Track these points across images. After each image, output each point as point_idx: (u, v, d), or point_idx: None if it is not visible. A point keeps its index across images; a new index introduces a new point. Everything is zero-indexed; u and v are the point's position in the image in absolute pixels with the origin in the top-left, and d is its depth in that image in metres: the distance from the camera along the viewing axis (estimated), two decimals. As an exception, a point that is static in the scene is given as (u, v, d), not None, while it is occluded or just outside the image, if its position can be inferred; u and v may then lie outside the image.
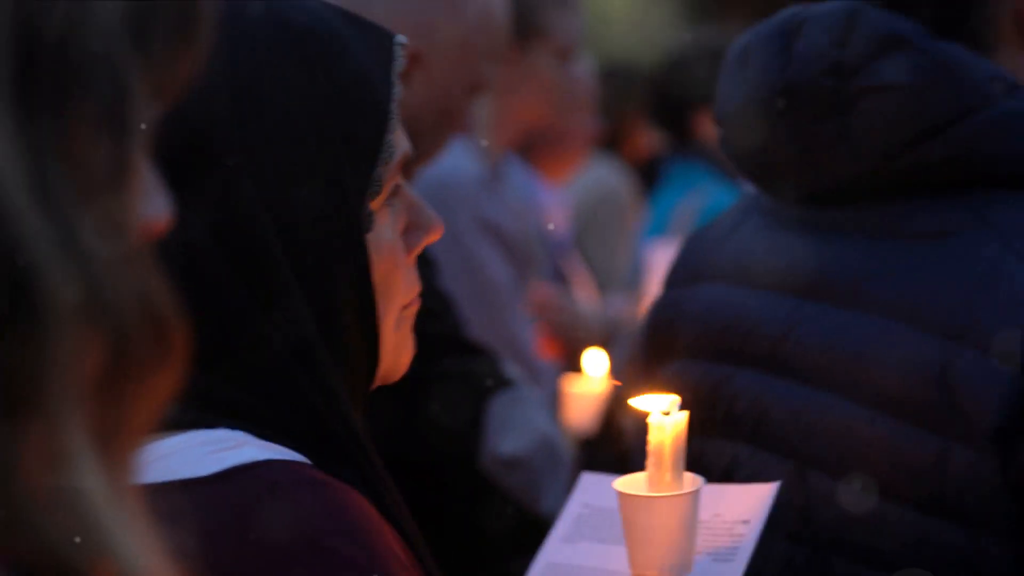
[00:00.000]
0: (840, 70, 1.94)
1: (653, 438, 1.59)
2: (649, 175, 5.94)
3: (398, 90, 1.51)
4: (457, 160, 3.56)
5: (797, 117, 1.97)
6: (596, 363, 3.54)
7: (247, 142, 1.43)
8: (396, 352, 1.54)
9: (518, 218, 3.82)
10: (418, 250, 1.55)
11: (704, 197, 5.19)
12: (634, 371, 2.28)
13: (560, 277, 4.29)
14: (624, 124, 6.04)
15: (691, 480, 1.60)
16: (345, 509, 1.37)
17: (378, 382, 1.54)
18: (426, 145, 2.64)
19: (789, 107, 1.98)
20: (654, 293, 4.47)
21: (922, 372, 1.86)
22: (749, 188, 2.21)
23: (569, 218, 4.92)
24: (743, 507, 1.72)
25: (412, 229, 1.55)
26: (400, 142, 1.51)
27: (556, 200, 4.71)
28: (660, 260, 4.57)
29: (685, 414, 1.60)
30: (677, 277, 2.23)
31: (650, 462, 1.60)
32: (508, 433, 2.93)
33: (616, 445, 4.01)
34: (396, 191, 1.52)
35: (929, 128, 1.91)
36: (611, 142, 5.87)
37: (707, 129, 5.30)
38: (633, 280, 4.98)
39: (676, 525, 1.57)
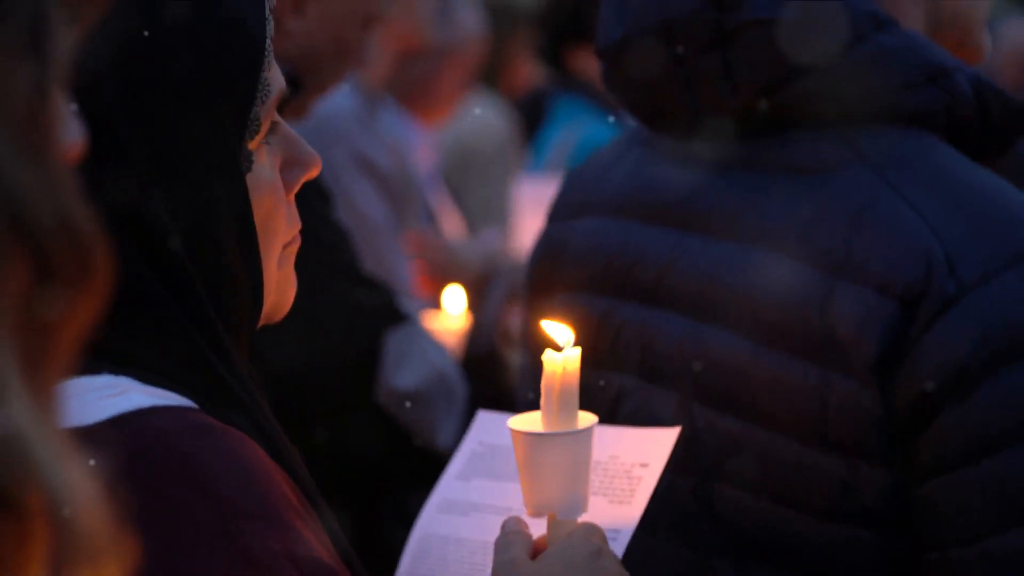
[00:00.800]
0: (720, 3, 1.96)
1: (546, 375, 1.58)
2: (530, 110, 5.95)
3: (271, 26, 1.49)
4: (334, 96, 3.54)
5: (677, 51, 1.98)
6: (455, 300, 3.55)
7: (123, 87, 1.40)
8: (280, 291, 1.53)
9: (394, 155, 3.81)
10: (297, 187, 1.53)
11: (581, 131, 5.21)
12: (520, 306, 2.30)
13: (430, 215, 4.30)
14: (505, 59, 6.04)
15: (585, 418, 1.59)
16: (236, 455, 1.35)
17: (263, 321, 1.53)
18: (323, 79, 2.63)
19: (669, 41, 1.99)
20: (524, 228, 4.52)
21: (802, 304, 1.88)
22: (630, 123, 2.23)
23: (438, 156, 4.93)
24: (642, 450, 1.71)
25: (290, 166, 1.52)
26: (276, 79, 1.49)
27: (426, 139, 4.71)
28: (529, 195, 4.60)
29: (578, 350, 1.59)
30: (560, 211, 2.24)
31: (544, 399, 1.59)
32: (405, 367, 2.93)
33: (496, 381, 4.05)
34: (274, 128, 1.50)
35: (805, 63, 1.93)
36: (491, 77, 5.87)
37: (588, 64, 5.32)
38: (502, 217, 5.00)
39: (570, 463, 1.56)
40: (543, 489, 1.57)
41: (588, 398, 1.84)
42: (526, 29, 5.84)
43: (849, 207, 1.90)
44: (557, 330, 1.62)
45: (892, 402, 1.83)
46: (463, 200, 5.11)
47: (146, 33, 1.41)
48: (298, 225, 1.55)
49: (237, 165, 1.45)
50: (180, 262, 1.42)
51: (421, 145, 4.61)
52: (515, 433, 1.58)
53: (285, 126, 1.52)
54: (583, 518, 1.59)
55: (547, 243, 2.23)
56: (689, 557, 1.98)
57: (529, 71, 6.02)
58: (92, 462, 0.87)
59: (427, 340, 3.06)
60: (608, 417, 1.96)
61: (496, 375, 4.18)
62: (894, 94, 1.94)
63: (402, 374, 2.95)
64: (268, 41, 1.47)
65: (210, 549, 1.31)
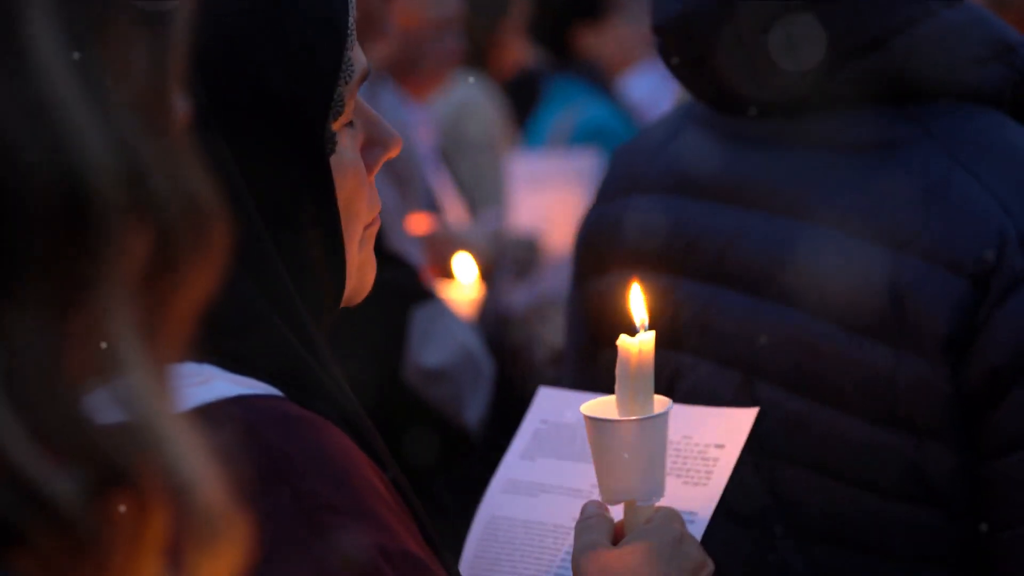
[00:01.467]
0: None
1: (621, 359, 1.55)
2: (520, 91, 5.91)
3: (354, 5, 1.45)
4: None
5: (740, 28, 1.96)
6: (466, 268, 3.53)
7: (206, 68, 1.36)
8: (361, 273, 1.49)
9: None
10: (378, 167, 1.50)
11: (580, 112, 5.19)
12: (571, 282, 2.27)
13: (430, 196, 4.27)
14: (493, 39, 6.00)
15: (661, 402, 1.55)
16: (323, 447, 1.32)
17: (343, 303, 1.50)
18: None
19: (732, 17, 1.96)
20: (521, 206, 4.51)
21: (871, 282, 1.87)
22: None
23: (435, 135, 4.90)
24: (717, 430, 1.68)
25: (371, 146, 1.49)
26: (359, 59, 1.45)
27: (422, 118, 4.68)
28: (524, 173, 4.58)
29: (652, 334, 1.56)
30: (611, 189, 2.21)
31: (619, 384, 1.55)
32: (431, 345, 2.91)
33: (511, 359, 4.02)
34: (356, 109, 1.47)
35: (872, 39, 1.91)
36: (479, 58, 5.83)
37: (586, 44, 5.29)
38: (498, 196, 4.99)
39: (648, 449, 1.53)
40: (621, 476, 1.54)
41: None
42: (515, 8, 5.80)
43: (919, 185, 1.88)
44: (635, 310, 1.59)
45: (963, 381, 1.82)
46: (456, 179, 5.09)
47: (230, 14, 1.38)
48: (379, 207, 1.51)
49: (321, 146, 1.41)
50: (264, 246, 1.39)
51: (420, 124, 4.58)
52: (591, 420, 1.54)
53: (366, 106, 1.49)
54: (660, 502, 1.56)
55: (598, 221, 2.20)
56: (752, 537, 1.96)
57: (518, 51, 5.98)
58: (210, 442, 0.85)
59: (452, 318, 3.04)
60: (665, 395, 1.94)
61: (510, 353, 4.16)
62: (962, 70, 1.93)
63: (428, 352, 2.93)
64: (351, 20, 1.44)
65: (299, 544, 1.28)
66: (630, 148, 2.25)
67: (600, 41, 5.31)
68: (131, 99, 0.82)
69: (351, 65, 1.44)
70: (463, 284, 3.51)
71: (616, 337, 2.11)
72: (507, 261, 4.28)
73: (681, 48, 2.04)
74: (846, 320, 1.88)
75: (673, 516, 1.53)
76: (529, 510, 1.74)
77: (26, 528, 0.77)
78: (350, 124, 1.46)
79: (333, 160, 1.43)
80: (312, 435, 1.32)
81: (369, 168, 1.48)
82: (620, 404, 1.54)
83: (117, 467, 0.80)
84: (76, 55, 0.80)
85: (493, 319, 4.23)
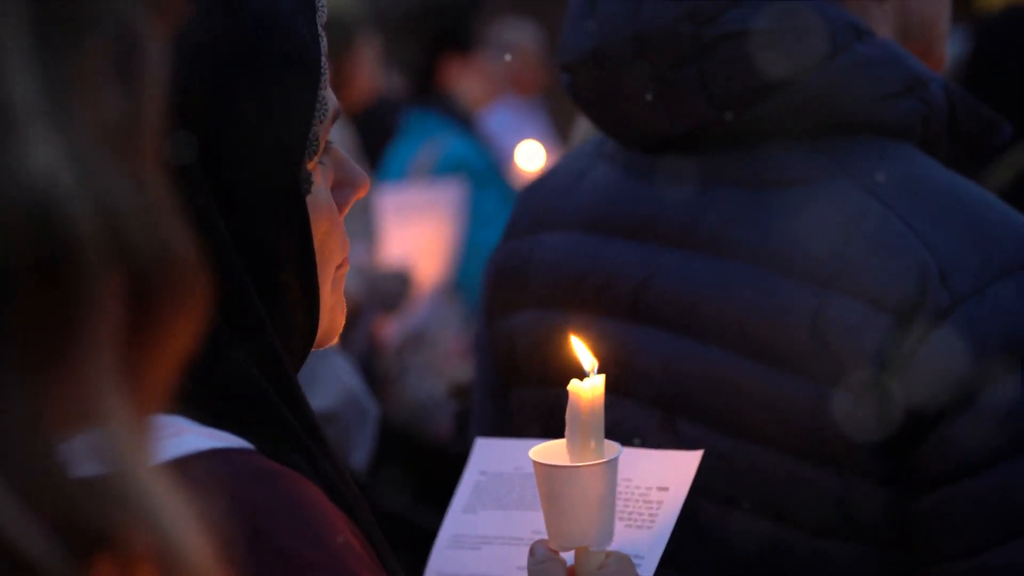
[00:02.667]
0: (696, 17, 1.93)
1: (572, 404, 1.52)
2: (371, 123, 5.86)
3: (324, 43, 1.44)
4: None
5: (652, 64, 1.95)
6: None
7: (184, 114, 1.33)
8: (332, 314, 1.48)
9: None
10: (348, 207, 1.48)
11: (442, 146, 5.18)
12: (480, 322, 2.24)
13: None
14: (342, 71, 5.95)
15: (611, 447, 1.54)
16: (300, 504, 1.29)
17: (315, 347, 1.47)
18: None
19: (643, 54, 1.96)
20: (391, 238, 4.48)
21: (794, 319, 1.87)
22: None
23: None
24: (659, 473, 1.67)
25: (341, 185, 1.48)
26: (330, 97, 1.44)
27: None
28: (392, 205, 4.56)
29: (602, 378, 1.53)
30: (521, 226, 2.18)
31: (569, 429, 1.53)
32: (317, 389, 2.88)
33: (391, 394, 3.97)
34: (326, 148, 1.45)
35: (785, 75, 1.92)
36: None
37: (449, 77, 5.28)
38: (365, 230, 4.96)
39: (601, 494, 1.51)
40: (573, 521, 1.51)
41: (559, 416, 1.81)
42: (362, 40, 5.77)
43: (836, 220, 1.88)
44: (583, 354, 1.57)
45: (888, 416, 1.82)
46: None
47: (206, 56, 1.35)
48: (348, 247, 1.49)
49: (298, 186, 1.40)
50: (243, 290, 1.36)
51: None
52: (541, 467, 1.52)
53: (335, 146, 1.47)
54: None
55: (508, 258, 2.17)
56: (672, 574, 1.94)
57: (369, 82, 5.95)
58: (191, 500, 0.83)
59: (336, 360, 3.00)
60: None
61: (381, 387, 4.13)
62: (874, 105, 1.93)
63: (315, 396, 2.89)
64: (323, 59, 1.43)
65: None
66: (540, 184, 2.23)
67: (465, 74, 5.31)
68: (107, 148, 0.80)
69: (324, 104, 1.42)
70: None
71: (530, 376, 2.10)
72: (377, 296, 4.25)
73: (592, 84, 2.03)
74: (768, 356, 1.88)
75: (627, 561, 1.52)
76: (474, 564, 1.73)
77: None
78: (323, 164, 1.44)
79: (309, 200, 1.41)
80: (288, 491, 1.29)
81: (340, 208, 1.47)
82: (571, 449, 1.52)
83: (101, 530, 0.77)
84: (53, 106, 0.78)
85: (364, 354, 4.19)
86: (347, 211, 1.48)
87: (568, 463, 1.52)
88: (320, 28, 1.44)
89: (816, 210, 1.90)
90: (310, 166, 1.41)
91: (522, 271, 2.13)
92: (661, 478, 1.66)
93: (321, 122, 1.42)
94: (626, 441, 1.85)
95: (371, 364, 4.17)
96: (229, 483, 1.26)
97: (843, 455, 1.84)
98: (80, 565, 0.76)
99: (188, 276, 0.82)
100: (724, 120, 1.94)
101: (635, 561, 1.58)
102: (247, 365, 1.35)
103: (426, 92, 5.34)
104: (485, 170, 5.09)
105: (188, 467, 1.25)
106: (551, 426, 2.01)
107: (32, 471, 0.76)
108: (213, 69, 1.36)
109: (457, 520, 1.76)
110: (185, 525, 0.81)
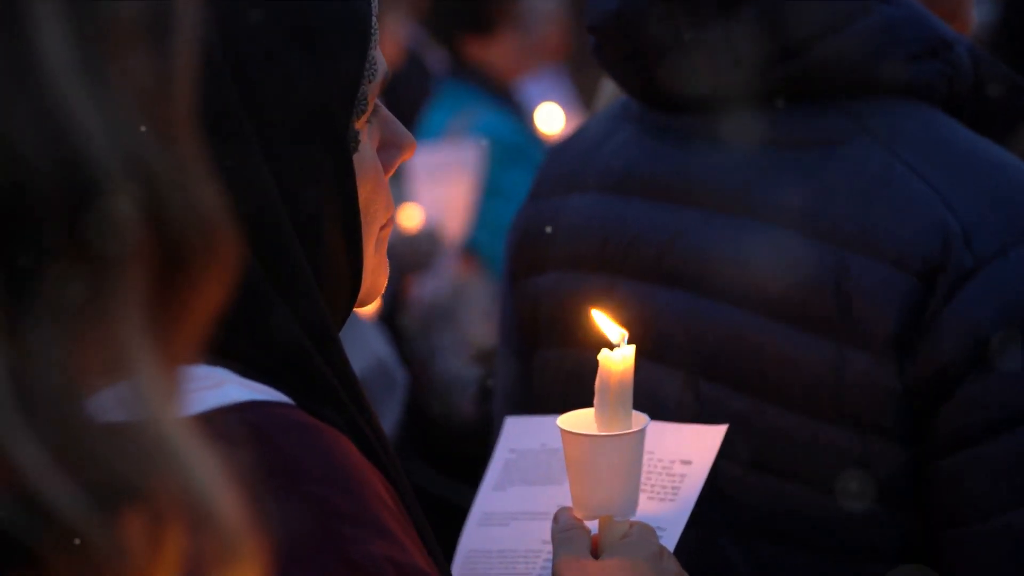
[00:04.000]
0: None
1: (602, 374, 1.54)
2: (405, 82, 5.85)
3: (376, 3, 1.45)
4: None
5: (677, 24, 1.95)
6: None
7: (233, 66, 1.36)
8: (375, 275, 1.48)
9: None
10: (393, 168, 1.49)
11: (473, 118, 5.18)
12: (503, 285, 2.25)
13: None
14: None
15: (639, 418, 1.55)
16: (331, 454, 1.30)
17: (356, 306, 1.48)
18: None
19: (668, 14, 1.95)
20: (424, 197, 4.49)
21: (815, 279, 1.87)
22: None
23: None
24: (682, 446, 1.68)
25: (387, 146, 1.49)
26: (380, 59, 1.45)
27: None
28: (421, 167, 4.57)
29: (632, 348, 1.55)
30: (546, 188, 2.19)
31: (598, 399, 1.54)
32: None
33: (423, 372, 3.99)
34: (375, 110, 1.46)
35: (809, 35, 1.91)
36: None
37: (481, 51, 5.28)
38: (398, 195, 4.98)
39: (628, 464, 1.53)
40: (598, 491, 1.54)
41: (583, 377, 1.81)
42: (394, 8, 5.76)
43: (860, 181, 1.88)
44: (609, 327, 1.58)
45: (910, 377, 1.82)
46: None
47: (255, 13, 1.37)
48: (392, 208, 1.50)
49: (345, 144, 1.41)
50: (289, 248, 1.37)
51: None
52: (569, 435, 1.54)
53: (382, 107, 1.48)
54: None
55: (533, 220, 2.18)
56: (695, 536, 1.95)
57: (394, 47, 5.94)
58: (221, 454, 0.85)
59: (365, 327, 3.01)
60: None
61: (416, 363, 4.14)
62: (898, 66, 1.93)
63: None
64: (374, 20, 1.44)
65: (310, 552, 1.25)
66: (565, 146, 2.24)
67: (491, 51, 5.31)
68: (140, 109, 0.82)
69: (374, 64, 1.44)
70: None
71: (553, 337, 2.11)
72: (407, 256, 4.27)
73: (616, 46, 2.03)
74: (790, 317, 1.88)
75: (650, 531, 1.54)
76: (502, 540, 1.75)
77: (38, 547, 0.76)
78: (371, 124, 1.46)
79: (356, 158, 1.42)
80: (322, 443, 1.30)
81: (385, 169, 1.48)
82: (600, 419, 1.54)
83: (129, 482, 0.79)
84: (85, 66, 0.79)
85: (388, 312, 4.21)
86: (392, 172, 1.49)
87: (596, 432, 1.53)
88: None
89: (839, 171, 1.90)
90: (358, 125, 1.43)
91: (547, 232, 2.13)
92: (685, 451, 1.68)
93: (370, 82, 1.43)
94: (649, 402, 1.86)
95: (395, 322, 4.19)
96: (264, 432, 1.28)
97: (864, 416, 1.84)
98: (108, 516, 0.77)
99: (217, 234, 0.84)
100: (748, 80, 1.94)
101: (658, 533, 1.59)
102: (290, 322, 1.36)
103: (459, 63, 5.34)
104: (517, 143, 5.08)
105: (226, 416, 1.28)
106: (572, 388, 2.02)
107: (61, 423, 0.77)
108: (264, 26, 1.37)
109: (487, 498, 1.79)
110: (213, 477, 0.82)
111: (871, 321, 1.83)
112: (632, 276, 2.02)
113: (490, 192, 4.72)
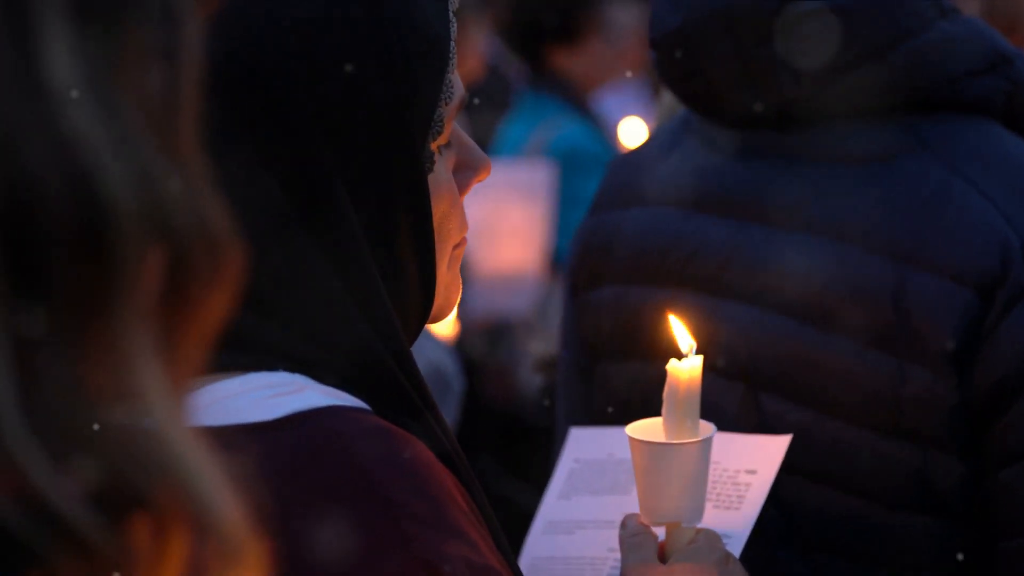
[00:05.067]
0: None
1: (670, 383, 1.58)
2: (486, 95, 5.88)
3: (455, 28, 1.49)
4: None
5: (737, 40, 1.97)
6: None
7: (314, 90, 1.41)
8: (447, 291, 1.53)
9: None
10: (468, 189, 1.54)
11: (554, 130, 5.20)
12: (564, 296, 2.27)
13: None
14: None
15: (706, 427, 1.60)
16: (409, 459, 1.34)
17: (429, 321, 1.53)
18: None
19: (729, 30, 1.97)
20: (505, 213, 4.50)
21: (875, 295, 1.88)
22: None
23: None
24: (747, 456, 1.73)
25: (463, 168, 1.53)
26: (458, 83, 1.49)
27: None
28: (504, 181, 4.57)
29: (700, 359, 1.59)
30: (608, 201, 2.21)
31: (666, 408, 1.59)
32: None
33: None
34: (451, 131, 1.51)
35: (868, 51, 1.92)
36: None
37: (565, 61, 5.30)
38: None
39: (695, 472, 1.57)
40: (667, 498, 1.58)
41: (646, 390, 1.83)
42: (476, 22, 5.79)
43: (918, 196, 1.89)
44: (681, 335, 1.62)
45: (968, 391, 1.83)
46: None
47: (335, 37, 1.42)
48: (467, 228, 1.55)
49: (420, 165, 1.45)
50: (363, 262, 1.42)
51: None
52: (639, 443, 1.58)
53: (459, 129, 1.53)
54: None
55: (594, 233, 2.20)
56: (755, 548, 1.96)
57: (477, 60, 5.96)
58: (238, 462, 0.87)
59: (423, 335, 3.05)
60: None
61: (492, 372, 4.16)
62: (957, 82, 1.94)
63: None
64: (452, 43, 1.48)
65: (384, 552, 1.30)
66: (628, 160, 2.26)
67: (575, 61, 5.33)
68: (147, 126, 0.83)
69: (451, 88, 1.48)
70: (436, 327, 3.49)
71: (615, 350, 2.13)
72: None
73: (679, 61, 2.05)
74: (849, 331, 1.89)
75: (716, 538, 1.58)
76: (567, 547, 1.80)
77: (45, 552, 0.77)
78: (447, 145, 1.50)
79: (431, 179, 1.47)
80: (399, 448, 1.35)
81: (460, 189, 1.52)
82: (668, 427, 1.59)
83: (137, 491, 0.80)
84: (93, 84, 0.80)
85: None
86: (467, 193, 1.54)
87: (664, 440, 1.58)
88: (452, 13, 1.49)
89: (897, 185, 1.91)
90: (433, 146, 1.47)
91: (608, 245, 2.15)
92: (750, 461, 1.72)
93: (447, 104, 1.47)
94: (710, 414, 1.88)
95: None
96: (344, 437, 1.34)
97: (923, 429, 1.85)
98: (116, 526, 0.79)
99: (222, 248, 0.85)
100: (807, 96, 1.95)
101: (724, 541, 1.63)
102: (368, 333, 1.41)
103: (540, 75, 5.36)
104: (597, 153, 5.10)
105: (307, 420, 1.34)
106: (634, 399, 2.04)
107: (68, 430, 0.79)
108: (346, 48, 1.42)
109: (552, 507, 1.82)
110: (219, 489, 0.83)
111: (930, 336, 1.84)
112: (693, 289, 2.03)
113: (571, 202, 4.74)
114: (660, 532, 1.59)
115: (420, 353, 3.01)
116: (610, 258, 2.14)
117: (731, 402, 1.97)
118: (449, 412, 3.05)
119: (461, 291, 1.57)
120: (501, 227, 4.51)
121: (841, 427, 1.90)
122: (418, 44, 1.44)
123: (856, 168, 1.94)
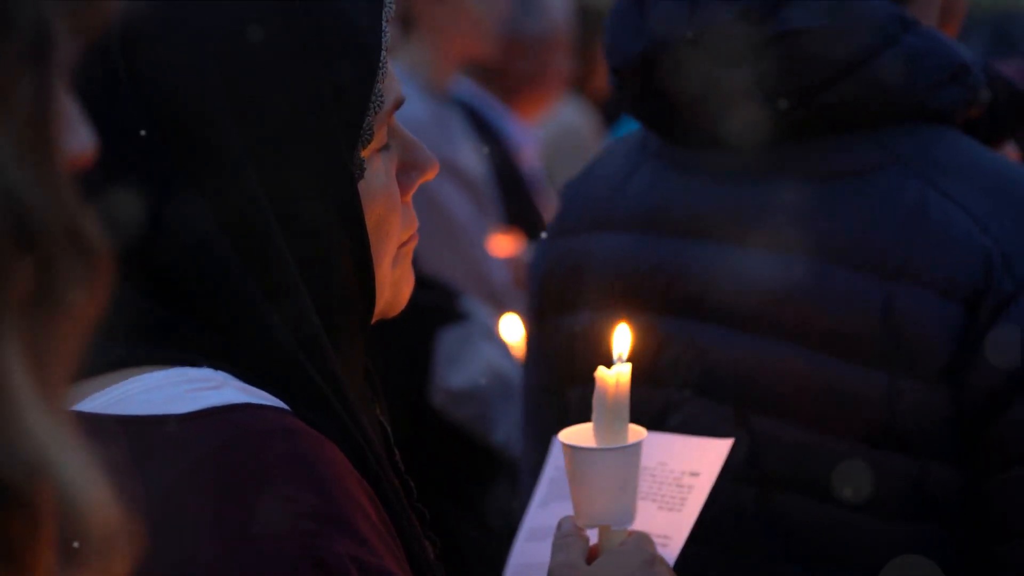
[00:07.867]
0: (749, 16, 1.95)
1: (598, 390, 1.61)
2: (613, 115, 5.91)
3: (387, 38, 1.50)
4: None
5: (707, 64, 1.98)
6: (512, 328, 3.36)
7: (232, 94, 1.43)
8: (395, 288, 1.57)
9: (472, 155, 3.84)
10: (413, 189, 1.56)
11: None
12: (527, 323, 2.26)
13: (536, 214, 4.26)
14: (589, 63, 5.91)
15: (635, 432, 1.62)
16: (314, 460, 1.37)
17: (377, 317, 1.55)
18: None
19: (699, 54, 1.98)
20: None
21: (863, 310, 1.91)
22: None
23: (539, 155, 4.91)
24: (692, 458, 1.75)
25: (408, 169, 1.56)
26: (391, 88, 1.51)
27: (529, 137, 4.71)
28: None
29: (628, 366, 1.61)
30: (570, 226, 2.20)
31: (595, 414, 1.61)
32: (457, 367, 2.95)
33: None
34: (391, 134, 1.53)
35: (838, 70, 1.94)
36: (575, 81, 5.77)
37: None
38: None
39: (621, 477, 1.59)
40: (595, 501, 1.60)
41: (632, 412, 1.84)
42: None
43: (897, 211, 1.93)
44: (617, 343, 1.64)
45: (961, 401, 1.88)
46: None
47: (258, 43, 1.44)
48: (415, 225, 1.58)
49: (348, 173, 1.48)
50: (280, 258, 1.44)
51: (527, 143, 4.62)
52: (567, 448, 1.61)
53: (403, 131, 1.55)
54: (633, 526, 1.63)
55: (561, 259, 2.19)
56: (753, 565, 1.98)
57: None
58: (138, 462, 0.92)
59: (485, 339, 3.06)
60: (654, 429, 1.95)
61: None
62: (922, 94, 1.97)
63: (454, 374, 2.99)
64: (383, 53, 1.50)
65: (276, 546, 1.33)
66: (583, 181, 2.24)
67: None
68: (15, 134, 0.85)
69: (381, 96, 1.49)
70: (511, 343, 3.40)
71: (586, 375, 2.11)
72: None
73: (642, 86, 2.05)
74: (838, 349, 1.92)
75: (646, 540, 1.60)
76: (544, 553, 1.79)
77: None
78: (385, 148, 1.53)
79: (362, 184, 1.49)
80: (306, 448, 1.38)
81: (404, 190, 1.56)
82: (597, 433, 1.61)
83: (6, 487, 0.83)
84: None
85: None
86: (412, 192, 1.56)
87: (593, 445, 1.60)
88: (385, 23, 1.50)
89: (875, 201, 1.94)
90: (364, 153, 1.49)
91: (578, 270, 2.15)
92: (693, 463, 1.75)
93: (376, 112, 1.49)
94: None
95: None
96: (252, 432, 1.38)
97: (919, 441, 1.89)
98: None
99: (91, 255, 0.87)
100: (779, 116, 1.96)
101: (662, 542, 1.68)
102: (280, 330, 1.44)
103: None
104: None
105: (218, 415, 1.38)
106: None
107: None
108: (268, 57, 1.44)
109: (534, 515, 1.86)
110: (88, 480, 0.85)
111: (922, 350, 1.88)
112: (672, 314, 2.04)
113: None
114: (593, 534, 1.62)
115: (479, 357, 3.03)
116: (582, 283, 2.14)
117: (721, 423, 1.98)
118: (511, 415, 3.04)
119: (412, 285, 1.60)
120: None
121: (836, 442, 1.92)
122: (344, 55, 1.47)
123: (832, 184, 1.97)
